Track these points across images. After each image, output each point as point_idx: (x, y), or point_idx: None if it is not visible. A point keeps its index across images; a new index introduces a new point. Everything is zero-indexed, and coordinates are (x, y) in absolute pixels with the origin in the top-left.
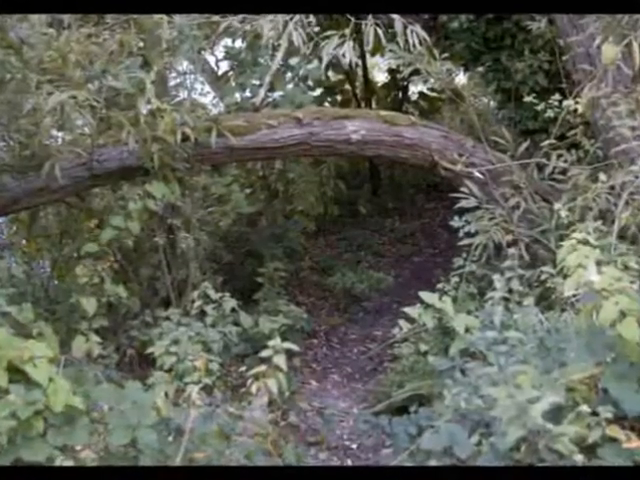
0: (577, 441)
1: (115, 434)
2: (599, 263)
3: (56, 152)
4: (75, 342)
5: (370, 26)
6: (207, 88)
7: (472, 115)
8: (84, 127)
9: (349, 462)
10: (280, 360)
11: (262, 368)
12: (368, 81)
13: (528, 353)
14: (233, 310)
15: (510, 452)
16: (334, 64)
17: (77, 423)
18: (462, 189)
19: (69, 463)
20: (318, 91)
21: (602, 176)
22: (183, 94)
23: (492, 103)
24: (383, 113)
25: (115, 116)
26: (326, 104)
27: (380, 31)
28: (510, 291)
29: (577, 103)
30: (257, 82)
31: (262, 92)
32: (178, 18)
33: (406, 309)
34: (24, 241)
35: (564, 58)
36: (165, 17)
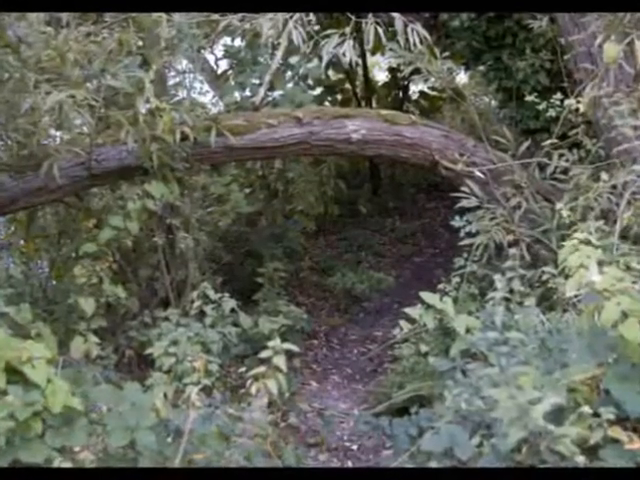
0: (579, 442)
1: (114, 435)
2: (601, 263)
3: (54, 152)
4: (73, 343)
5: (370, 25)
6: (206, 87)
7: (473, 114)
8: (83, 126)
9: (349, 464)
10: (280, 361)
11: (262, 369)
12: (368, 80)
13: (529, 354)
14: (232, 310)
15: (511, 453)
16: (334, 63)
17: (75, 424)
18: (463, 189)
19: (67, 464)
20: (318, 90)
21: (604, 175)
22: (182, 93)
23: (493, 102)
24: (383, 112)
25: (114, 115)
26: (326, 103)
27: (380, 30)
28: (511, 291)
29: (579, 102)
30: (257, 81)
31: (262, 91)
32: (177, 17)
33: (407, 310)
34: (22, 241)
35: (565, 57)
36: (164, 16)
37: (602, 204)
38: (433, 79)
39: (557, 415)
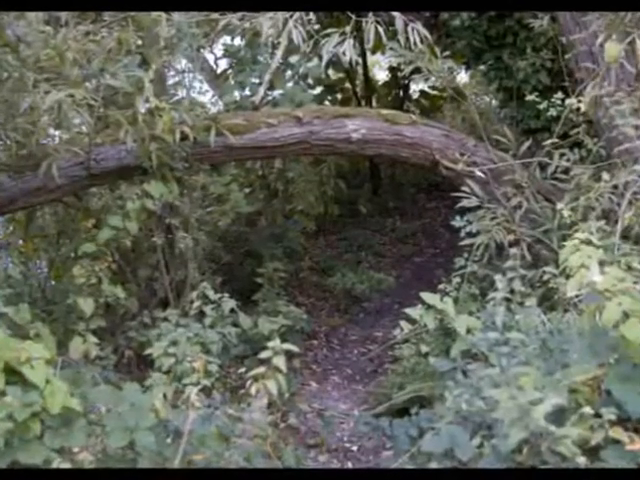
0: (580, 443)
1: (113, 436)
2: (602, 263)
3: (53, 151)
4: (72, 343)
5: (371, 24)
6: (206, 86)
7: (474, 114)
8: (82, 126)
9: (349, 465)
10: (280, 361)
11: (261, 369)
12: (369, 79)
13: (530, 354)
14: (232, 311)
15: (512, 454)
16: (334, 62)
17: (74, 425)
18: (464, 188)
19: (66, 465)
20: (318, 89)
21: (605, 175)
22: (182, 93)
23: (494, 102)
24: (384, 112)
25: (113, 115)
26: (326, 103)
27: (381, 29)
28: (512, 292)
29: (580, 102)
30: (256, 80)
31: (261, 90)
32: (177, 16)
33: (407, 310)
34: (21, 241)
35: (566, 56)
36: (164, 15)
37: (603, 204)
38: (433, 78)
39: (558, 416)
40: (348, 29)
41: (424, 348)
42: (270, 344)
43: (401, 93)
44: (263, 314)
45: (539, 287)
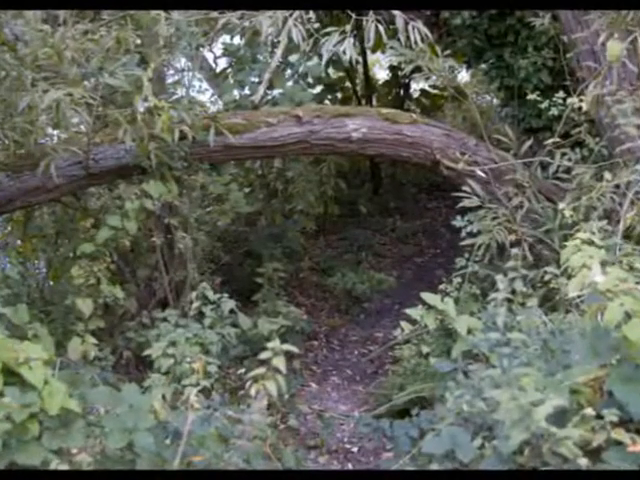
0: (581, 445)
1: (111, 437)
2: (604, 263)
3: (52, 151)
4: (71, 344)
5: (371, 22)
6: (205, 85)
7: (475, 113)
8: (80, 125)
9: (350, 466)
10: (279, 362)
11: (261, 370)
12: (369, 78)
13: (532, 355)
14: (232, 311)
15: (513, 456)
16: (334, 61)
17: (73, 426)
18: (464, 188)
19: (64, 467)
20: (318, 88)
21: (607, 175)
22: (181, 92)
23: (495, 101)
24: (384, 111)
25: (112, 114)
26: (326, 102)
27: (381, 28)
28: (513, 292)
29: (581, 101)
30: (256, 79)
31: (261, 89)
32: (176, 14)
33: (408, 310)
34: (19, 241)
35: (568, 55)
36: (162, 13)
37: (605, 204)
38: (434, 77)
39: (560, 417)
40: (348, 28)
41: (425, 349)
42: (270, 345)
43: (402, 92)
44: (263, 315)
45: (540, 287)
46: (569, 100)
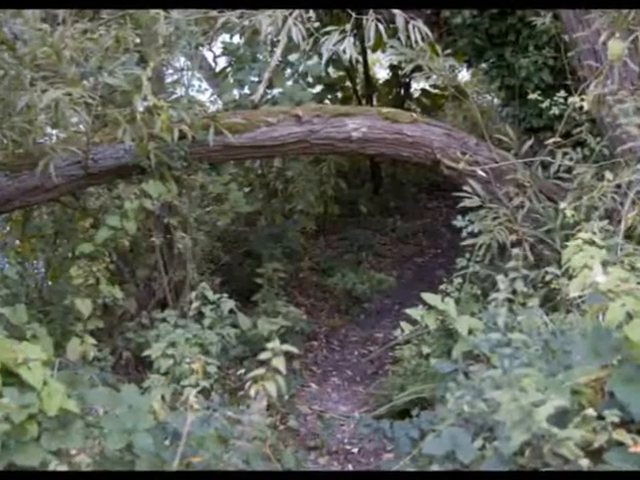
0: (583, 445)
1: (111, 438)
2: (605, 264)
3: (50, 150)
4: (70, 344)
5: (371, 21)
6: (205, 85)
7: (475, 112)
8: (79, 125)
9: (350, 467)
10: (279, 363)
11: (261, 371)
12: (369, 78)
13: (533, 355)
14: (231, 312)
15: (514, 457)
16: (334, 60)
17: (72, 427)
18: (465, 188)
19: (63, 468)
20: (318, 88)
21: (608, 175)
22: (180, 91)
23: (496, 100)
24: (384, 110)
25: (111, 113)
26: (326, 101)
27: (381, 27)
28: (514, 292)
29: (583, 100)
30: (256, 79)
31: (261, 89)
32: (175, 13)
33: (408, 311)
34: (18, 241)
35: (569, 54)
36: (162, 12)
37: (606, 203)
38: (435, 77)
39: (561, 418)
40: (348, 27)
41: (425, 349)
42: (269, 345)
43: (402, 91)
44: (262, 315)
45: (541, 288)
46: (570, 99)
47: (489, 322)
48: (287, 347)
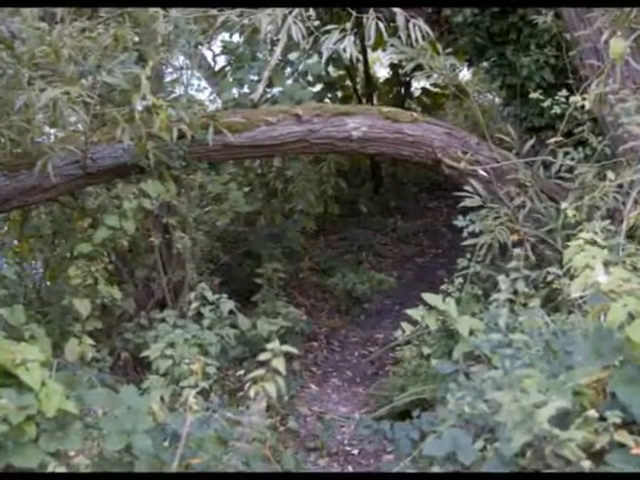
0: (584, 447)
1: (109, 439)
2: (607, 264)
3: (49, 150)
4: (68, 345)
5: (371, 20)
6: (204, 84)
7: (476, 112)
8: (77, 124)
9: (350, 468)
10: (279, 363)
11: (260, 372)
12: (369, 77)
13: (534, 356)
14: (231, 312)
15: (515, 458)
16: (334, 59)
17: (70, 428)
18: (466, 187)
19: (62, 469)
20: (318, 87)
21: (610, 174)
22: (179, 90)
23: (497, 99)
24: (385, 109)
25: (109, 113)
26: (326, 100)
27: (382, 25)
28: (515, 293)
29: (584, 99)
30: (255, 78)
31: (260, 88)
32: (174, 12)
33: (408, 311)
34: (16, 241)
35: (571, 53)
36: (161, 11)
37: (608, 203)
38: (435, 76)
39: (562, 419)
40: (348, 25)
41: (426, 350)
42: (269, 346)
43: (402, 90)
44: (262, 315)
45: (543, 288)
46: (572, 99)
47: (490, 323)
48: (287, 348)
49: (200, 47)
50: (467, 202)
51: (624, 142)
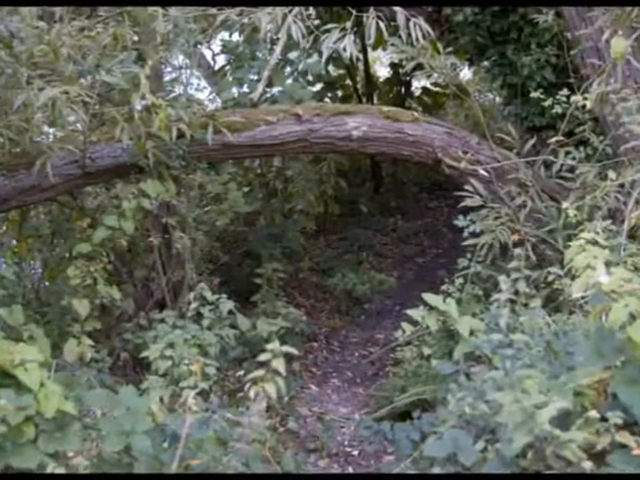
0: (586, 448)
1: (108, 440)
2: (608, 264)
3: (47, 149)
4: (67, 345)
5: (372, 19)
6: (203, 83)
7: (477, 111)
8: (76, 123)
9: (350, 470)
10: (279, 364)
11: (260, 372)
12: (370, 76)
13: (535, 357)
14: (230, 312)
15: (516, 459)
16: (334, 58)
17: (69, 429)
18: (467, 187)
19: (61, 470)
20: (318, 86)
21: (611, 174)
22: (179, 89)
23: (498, 99)
24: (385, 109)
25: (108, 112)
26: (326, 100)
27: (382, 24)
28: (516, 293)
29: (585, 99)
30: (255, 77)
31: (260, 87)
32: (173, 11)
33: (409, 311)
34: (14, 241)
35: (572, 52)
36: (160, 10)
37: (609, 203)
38: (436, 75)
39: (563, 420)
40: (348, 24)
41: (426, 350)
42: (269, 346)
43: (403, 90)
44: (262, 316)
45: (544, 288)
46: (573, 98)
47: (491, 323)
48: (287, 348)
49: (199, 46)
50: (468, 202)
51: (625, 141)
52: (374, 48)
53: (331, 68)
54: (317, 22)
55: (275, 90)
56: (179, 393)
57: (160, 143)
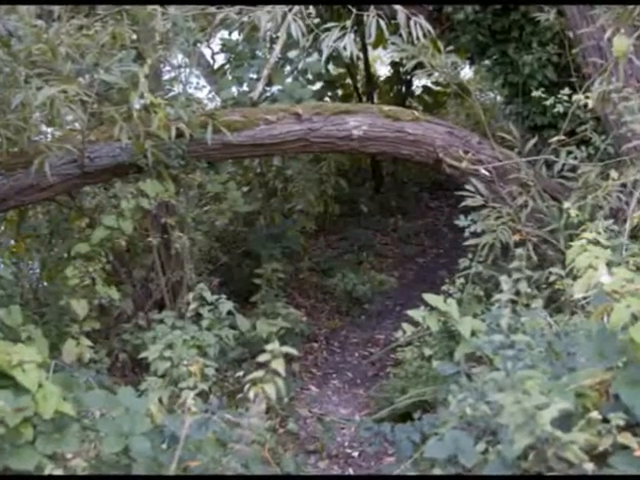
0: (587, 449)
1: (107, 442)
2: (610, 264)
3: (46, 149)
4: (65, 346)
5: (372, 17)
6: (203, 82)
7: (478, 110)
8: (75, 123)
9: (350, 471)
10: (278, 365)
11: (260, 373)
12: (370, 75)
13: (536, 357)
14: (230, 313)
15: (517, 461)
16: (335, 57)
17: (67, 430)
18: (468, 187)
19: (59, 472)
20: (318, 85)
21: (613, 173)
22: (178, 88)
23: (499, 98)
24: (385, 108)
25: (107, 111)
26: (326, 99)
27: (382, 23)
28: (517, 293)
29: (587, 98)
30: (255, 76)
31: (260, 86)
32: (173, 9)
33: (409, 312)
34: (12, 241)
35: (574, 51)
36: (159, 8)
37: (611, 203)
38: (437, 74)
39: (565, 421)
40: (349, 23)
41: (427, 351)
42: (269, 347)
43: (403, 89)
44: (261, 316)
45: (545, 288)
46: (574, 97)
47: (492, 323)
48: (286, 349)
49: (199, 45)
50: (469, 202)
51: (627, 141)
52: (374, 47)
53: (331, 67)
54: (317, 20)
55: (275, 89)
56: (178, 394)
57: (159, 142)
